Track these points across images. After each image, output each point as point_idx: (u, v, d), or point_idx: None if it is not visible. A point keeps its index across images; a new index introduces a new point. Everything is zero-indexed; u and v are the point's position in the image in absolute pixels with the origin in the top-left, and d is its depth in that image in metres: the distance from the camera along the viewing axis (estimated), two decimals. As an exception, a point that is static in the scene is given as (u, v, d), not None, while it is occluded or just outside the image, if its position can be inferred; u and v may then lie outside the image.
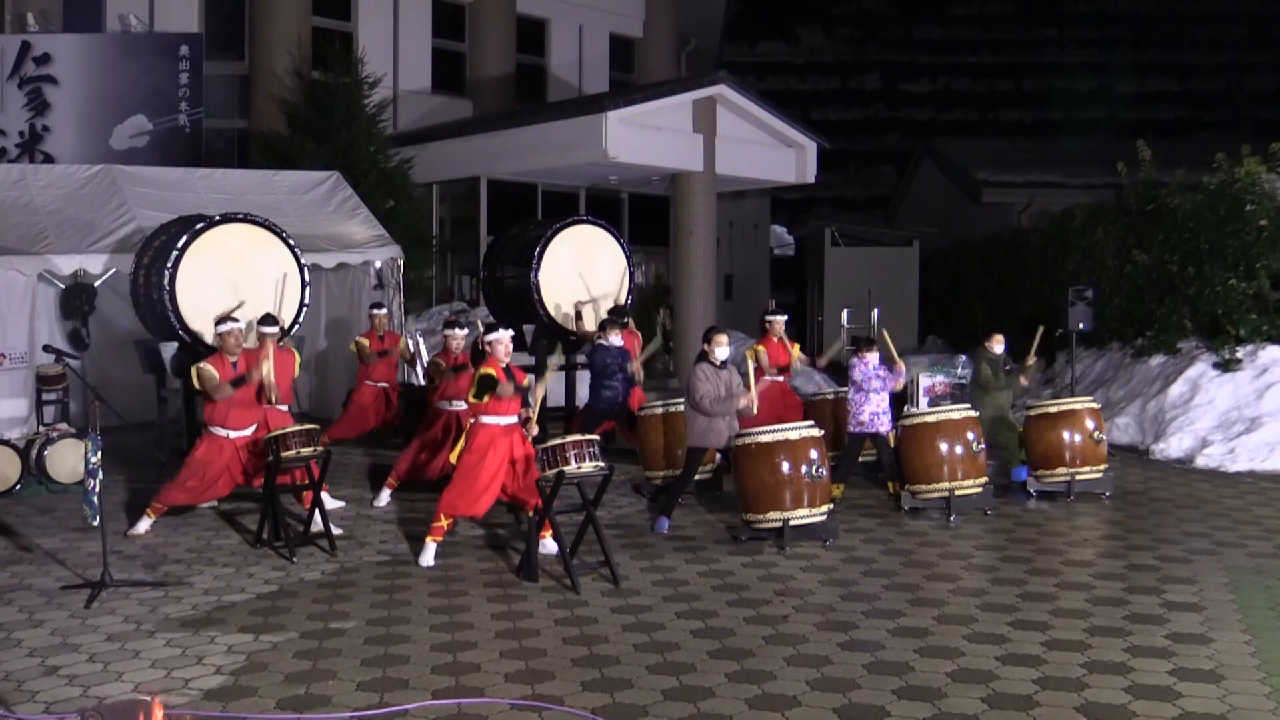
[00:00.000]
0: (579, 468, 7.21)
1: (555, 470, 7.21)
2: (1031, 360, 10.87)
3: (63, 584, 7.21)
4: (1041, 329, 11.01)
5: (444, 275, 19.33)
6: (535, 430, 7.98)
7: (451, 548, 8.03)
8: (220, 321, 8.74)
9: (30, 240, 11.61)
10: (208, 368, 8.44)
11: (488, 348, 7.83)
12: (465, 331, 9.91)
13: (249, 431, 8.61)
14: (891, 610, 6.67)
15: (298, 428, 8.37)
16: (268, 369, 8.62)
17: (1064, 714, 5.08)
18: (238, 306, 9.70)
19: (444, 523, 7.84)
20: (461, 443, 7.94)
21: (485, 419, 7.79)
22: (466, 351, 9.73)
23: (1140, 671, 5.59)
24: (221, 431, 8.50)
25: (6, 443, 10.08)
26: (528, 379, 8.10)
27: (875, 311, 20.25)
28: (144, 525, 8.54)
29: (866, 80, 55.17)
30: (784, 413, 10.26)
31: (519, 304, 12.33)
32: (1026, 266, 17.34)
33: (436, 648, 6.02)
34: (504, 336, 7.87)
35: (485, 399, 7.70)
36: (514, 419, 7.88)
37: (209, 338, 9.84)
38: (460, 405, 9.62)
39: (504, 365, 7.80)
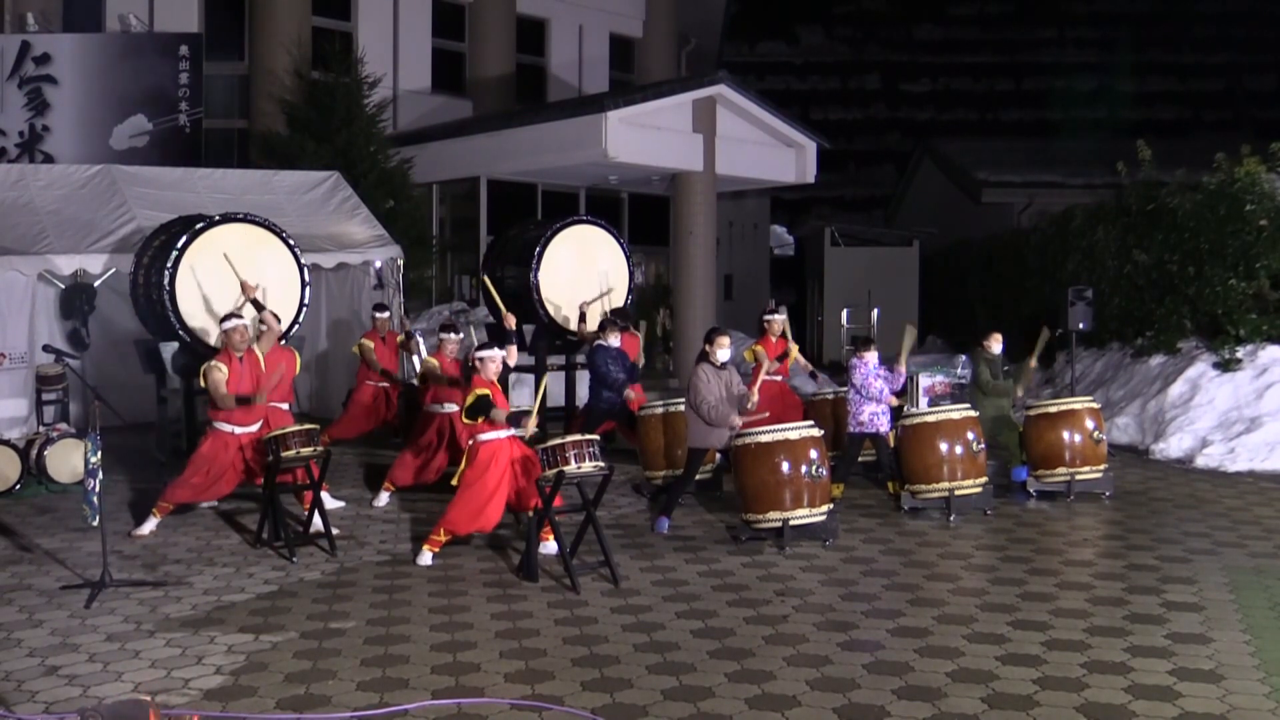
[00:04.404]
0: (579, 468, 7.21)
1: (555, 470, 7.21)
2: (1033, 363, 10.79)
3: (63, 584, 7.21)
4: (1046, 332, 10.86)
5: (444, 275, 19.34)
6: (533, 427, 7.90)
7: (451, 548, 8.02)
8: (225, 319, 8.74)
9: (30, 240, 11.61)
10: (216, 373, 8.41)
11: (477, 364, 7.78)
12: (460, 336, 9.89)
13: (254, 428, 8.59)
14: (891, 610, 6.67)
15: (297, 428, 8.37)
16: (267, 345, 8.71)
17: (1064, 714, 5.08)
18: (245, 302, 9.69)
19: (443, 537, 7.81)
20: (463, 464, 7.88)
21: (483, 436, 7.74)
22: (458, 361, 9.70)
23: (1140, 671, 5.59)
24: (226, 427, 8.50)
25: (6, 443, 10.08)
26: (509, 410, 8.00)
27: (875, 311, 20.28)
28: (150, 525, 8.54)
29: (866, 80, 55.15)
30: (784, 413, 10.26)
31: (519, 304, 12.32)
32: (1026, 266, 17.34)
33: (436, 648, 6.02)
34: (495, 355, 7.80)
35: (479, 420, 7.67)
36: (508, 430, 7.83)
37: (210, 337, 9.85)
38: (452, 408, 9.60)
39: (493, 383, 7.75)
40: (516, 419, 7.89)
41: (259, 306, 9.35)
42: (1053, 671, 5.60)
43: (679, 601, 6.85)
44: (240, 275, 9.82)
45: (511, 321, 9.86)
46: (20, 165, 14.42)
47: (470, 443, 7.85)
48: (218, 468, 8.49)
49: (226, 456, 8.50)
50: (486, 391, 7.62)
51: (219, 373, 8.40)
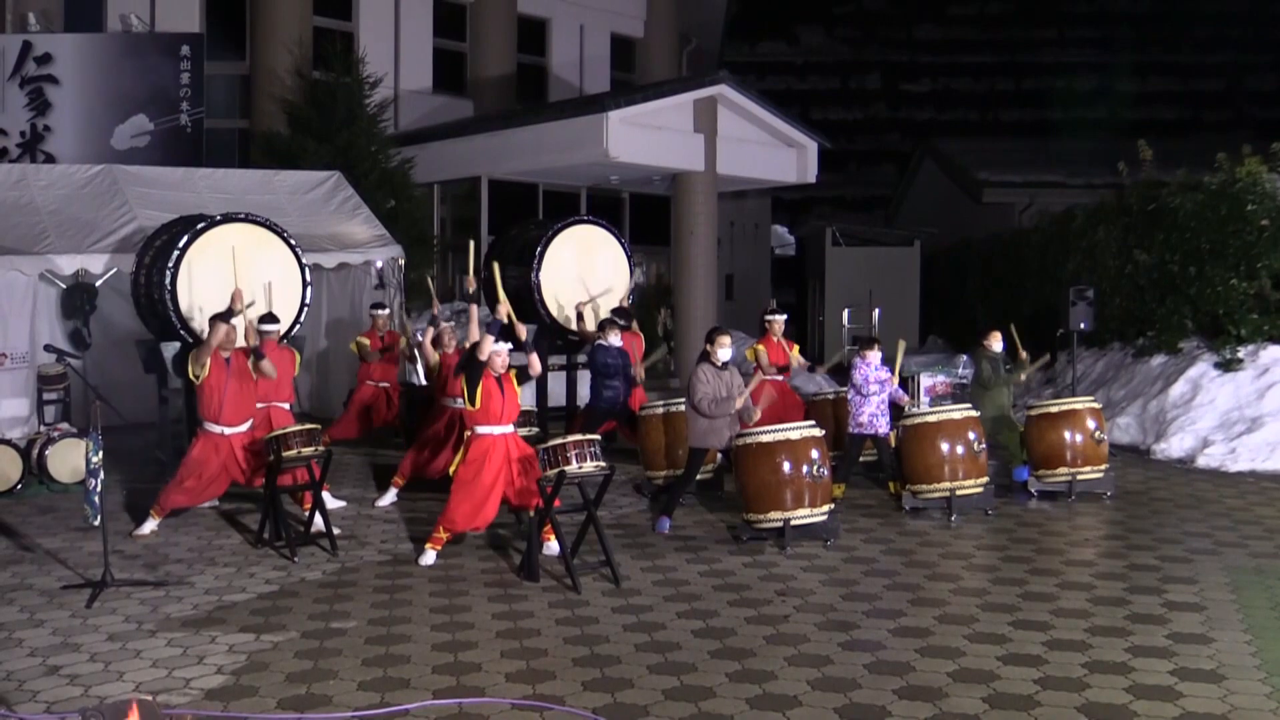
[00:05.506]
0: (580, 467, 7.21)
1: (556, 470, 7.20)
2: (1024, 355, 10.85)
3: (64, 584, 7.22)
4: (1011, 326, 10.95)
5: (445, 275, 19.34)
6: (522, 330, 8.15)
7: (452, 548, 8.03)
8: (215, 318, 8.68)
9: (31, 240, 11.61)
10: (200, 353, 8.41)
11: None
12: (452, 324, 9.93)
13: (244, 428, 8.59)
14: (892, 610, 6.67)
15: (298, 427, 8.37)
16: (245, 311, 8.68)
17: (1065, 714, 5.08)
18: (249, 305, 9.67)
19: (443, 535, 7.81)
20: (460, 455, 7.89)
21: (480, 429, 7.73)
22: (461, 348, 9.68)
23: (1141, 671, 5.59)
24: (216, 428, 8.48)
25: (8, 442, 10.09)
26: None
27: (876, 311, 20.28)
28: (149, 526, 8.55)
29: (867, 80, 55.19)
30: (785, 413, 10.27)
31: (520, 304, 12.32)
32: (1027, 266, 17.34)
33: (437, 647, 6.03)
34: (503, 349, 7.76)
35: (476, 403, 7.64)
36: (509, 427, 7.80)
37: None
38: (462, 403, 9.61)
39: (497, 376, 7.71)
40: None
41: (229, 315, 8.97)
42: (1054, 671, 5.60)
43: (680, 601, 6.85)
44: (237, 280, 9.66)
45: (503, 312, 9.69)
46: (22, 165, 14.42)
47: (467, 434, 7.86)
48: (210, 470, 8.48)
49: (218, 459, 8.48)
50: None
51: (200, 350, 8.40)
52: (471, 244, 10.50)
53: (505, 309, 8.59)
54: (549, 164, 17.44)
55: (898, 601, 6.85)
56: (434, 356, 9.84)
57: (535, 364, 8.26)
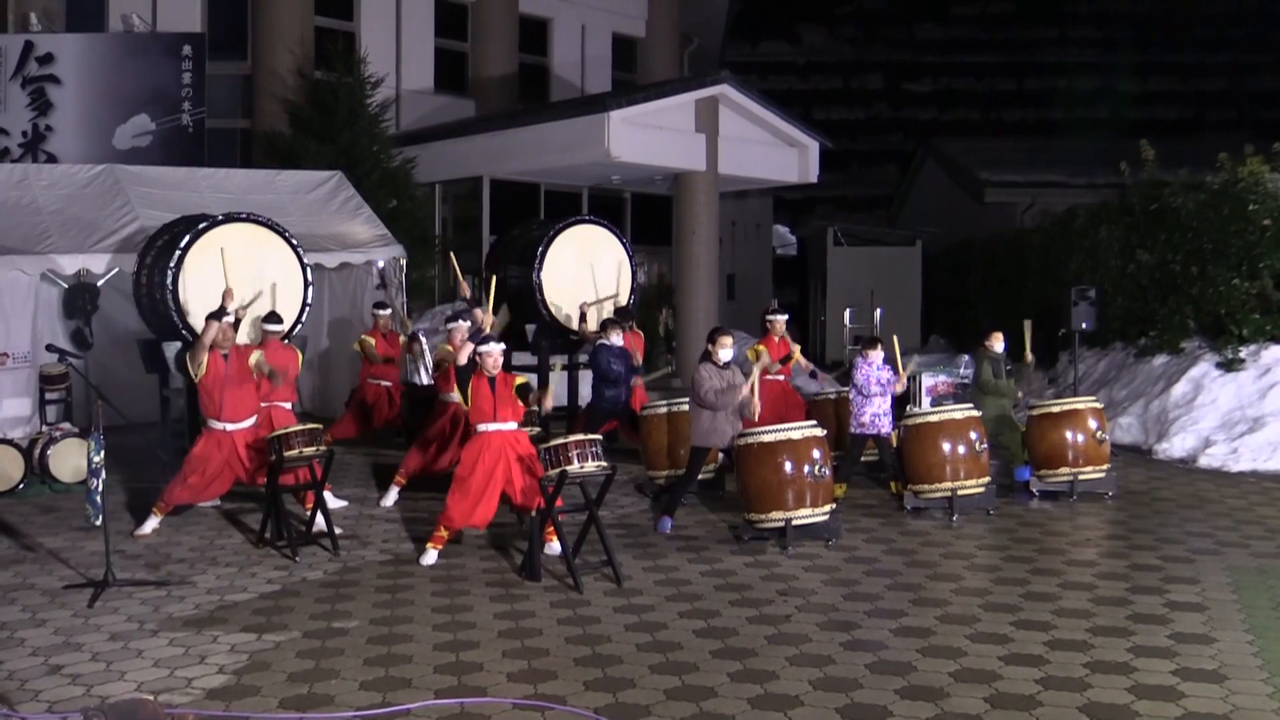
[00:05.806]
0: (581, 467, 7.21)
1: (558, 470, 7.21)
2: (1029, 358, 10.90)
3: (66, 583, 7.22)
4: (1029, 324, 11.03)
5: (446, 275, 19.35)
6: (549, 404, 8.10)
7: (454, 547, 8.03)
8: (208, 317, 8.66)
9: (33, 240, 11.61)
10: (197, 351, 8.41)
11: (478, 358, 7.75)
12: (468, 324, 9.88)
13: (246, 424, 8.58)
14: (894, 610, 6.66)
15: (300, 427, 8.37)
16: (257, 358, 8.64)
17: (1067, 714, 5.08)
18: (254, 298, 9.67)
19: (443, 533, 7.82)
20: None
21: (480, 427, 7.74)
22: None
23: (1143, 671, 5.59)
24: (218, 425, 8.48)
25: (10, 442, 10.09)
26: (522, 378, 8.03)
27: (878, 311, 20.29)
28: (151, 524, 8.56)
29: (869, 80, 55.24)
30: (786, 412, 10.26)
31: (521, 303, 12.34)
32: (1029, 266, 17.34)
33: (439, 647, 6.03)
34: (495, 350, 7.78)
35: (467, 402, 7.69)
36: (511, 425, 7.77)
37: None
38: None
39: (491, 376, 7.70)
40: (530, 398, 7.96)
41: (221, 313, 8.82)
42: (1055, 671, 5.59)
43: (681, 601, 6.85)
44: (228, 280, 9.64)
45: (484, 321, 9.75)
46: (23, 165, 14.41)
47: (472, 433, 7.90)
48: (213, 467, 8.48)
49: (221, 455, 8.49)
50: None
51: (197, 349, 8.40)
52: (451, 255, 10.60)
53: (484, 318, 8.62)
54: (551, 164, 17.45)
55: (899, 601, 6.85)
56: (448, 350, 9.76)
57: (548, 403, 8.21)
